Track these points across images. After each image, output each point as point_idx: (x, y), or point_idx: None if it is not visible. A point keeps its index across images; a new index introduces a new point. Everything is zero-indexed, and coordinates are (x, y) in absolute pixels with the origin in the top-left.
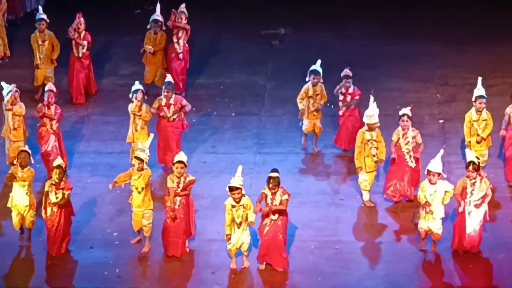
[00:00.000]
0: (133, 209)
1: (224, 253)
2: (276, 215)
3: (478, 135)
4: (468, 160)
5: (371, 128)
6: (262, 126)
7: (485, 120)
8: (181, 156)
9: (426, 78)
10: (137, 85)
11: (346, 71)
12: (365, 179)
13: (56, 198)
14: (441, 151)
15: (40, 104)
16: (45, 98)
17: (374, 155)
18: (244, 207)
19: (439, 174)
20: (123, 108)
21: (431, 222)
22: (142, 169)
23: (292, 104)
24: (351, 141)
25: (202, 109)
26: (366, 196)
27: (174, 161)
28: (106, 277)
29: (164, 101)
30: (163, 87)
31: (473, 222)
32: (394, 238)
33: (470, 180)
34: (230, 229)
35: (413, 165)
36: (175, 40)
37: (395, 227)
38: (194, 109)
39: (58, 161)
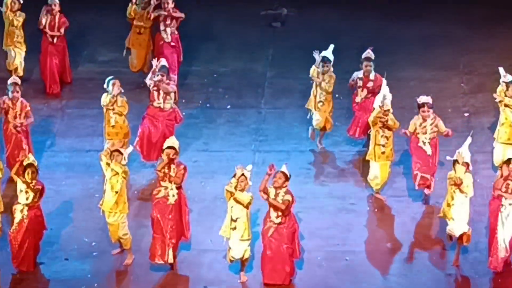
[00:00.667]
0: (107, 219)
1: (218, 265)
2: (280, 219)
3: None
4: (506, 158)
5: (384, 114)
6: (262, 120)
7: None
8: (172, 141)
9: (449, 66)
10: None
11: (368, 52)
12: (376, 174)
13: (27, 199)
14: (469, 139)
15: (4, 98)
16: (9, 92)
17: (383, 145)
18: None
19: (467, 164)
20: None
21: (456, 219)
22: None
23: (296, 94)
24: (364, 131)
25: (193, 100)
26: (377, 195)
27: (164, 146)
28: None
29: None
30: (158, 71)
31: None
32: (412, 248)
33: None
34: (228, 227)
35: (428, 151)
36: (162, 28)
37: (414, 235)
38: (183, 100)
39: (30, 158)
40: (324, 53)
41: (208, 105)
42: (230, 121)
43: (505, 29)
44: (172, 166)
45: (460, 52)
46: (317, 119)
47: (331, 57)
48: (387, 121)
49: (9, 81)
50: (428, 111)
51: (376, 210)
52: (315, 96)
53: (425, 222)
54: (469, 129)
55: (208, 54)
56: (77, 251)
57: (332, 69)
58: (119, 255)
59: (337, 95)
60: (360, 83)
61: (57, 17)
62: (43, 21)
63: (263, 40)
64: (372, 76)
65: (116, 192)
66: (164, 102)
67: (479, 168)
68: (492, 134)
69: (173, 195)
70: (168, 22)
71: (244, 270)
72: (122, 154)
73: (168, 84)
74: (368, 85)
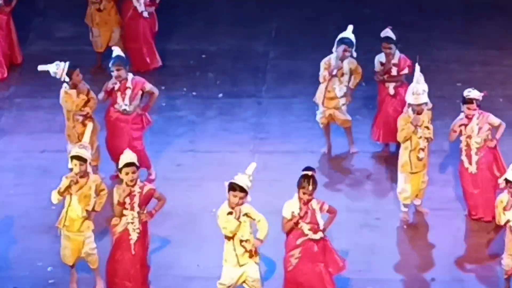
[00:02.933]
0: (67, 233)
1: None
2: (319, 234)
3: None
4: None
5: (418, 111)
6: (263, 112)
7: None
8: (128, 156)
9: (500, 44)
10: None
11: (387, 31)
12: (405, 188)
13: None
14: None
15: None
16: None
17: (422, 149)
18: (248, 216)
19: None
20: (60, 86)
21: None
22: (85, 175)
23: (306, 80)
24: (391, 132)
25: (175, 88)
26: (403, 208)
27: (120, 165)
28: None
29: (117, 85)
30: (111, 65)
31: None
32: (454, 275)
33: None
34: (231, 254)
35: (472, 169)
36: None
37: (457, 258)
38: (163, 87)
39: None
40: (343, 35)
41: (194, 93)
42: (222, 114)
43: None
44: (136, 189)
45: None
46: (320, 112)
47: (353, 39)
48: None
49: None
50: (474, 110)
51: (406, 227)
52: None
53: (472, 242)
54: None
55: (195, 29)
56: (28, 278)
57: (354, 54)
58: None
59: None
60: (379, 67)
61: None
62: None
63: (264, 11)
64: (395, 59)
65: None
66: (129, 104)
67: None
68: None
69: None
70: None
71: None
72: (85, 161)
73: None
74: (391, 71)
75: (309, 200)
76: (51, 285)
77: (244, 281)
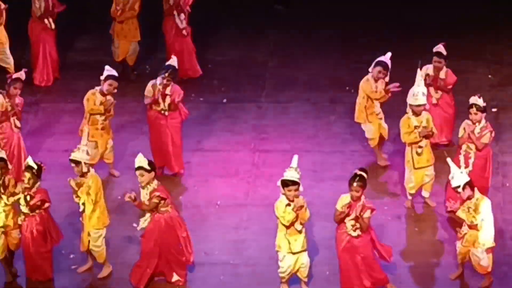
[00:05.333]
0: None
1: (214, 280)
2: (357, 232)
3: None
4: None
5: (416, 111)
6: (262, 115)
7: None
8: (140, 160)
9: (475, 55)
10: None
11: (439, 47)
12: (410, 180)
13: (26, 208)
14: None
15: (2, 95)
16: (10, 89)
17: (421, 146)
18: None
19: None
20: (82, 92)
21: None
22: (83, 176)
23: (301, 86)
24: (442, 130)
25: (185, 94)
26: (409, 197)
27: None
28: None
29: (158, 90)
30: (165, 72)
31: None
32: (446, 259)
33: None
34: (284, 242)
35: (466, 170)
36: (175, 12)
37: (446, 247)
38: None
39: (30, 161)
40: (381, 58)
41: (201, 98)
42: (226, 117)
43: None
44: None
45: (487, 39)
46: (370, 130)
47: (389, 63)
48: (430, 134)
49: (14, 76)
50: (476, 114)
51: (392, 218)
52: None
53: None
54: (497, 127)
55: (202, 41)
56: (54, 263)
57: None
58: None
59: (347, 88)
60: (428, 80)
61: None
62: (42, 6)
63: (264, 25)
64: (443, 73)
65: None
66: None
67: (509, 170)
68: None
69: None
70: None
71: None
72: (79, 163)
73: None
74: (439, 83)
75: (358, 198)
76: (73, 271)
77: (298, 269)
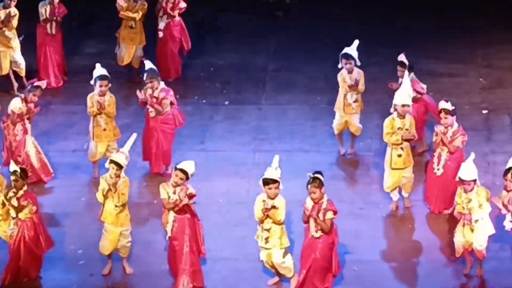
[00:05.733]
0: (106, 226)
1: (215, 275)
2: (319, 233)
3: None
4: (507, 167)
5: (401, 112)
6: (263, 117)
7: None
8: (187, 165)
9: (466, 59)
10: (99, 69)
11: (401, 57)
12: (387, 179)
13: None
14: (472, 155)
15: (18, 99)
16: (29, 95)
17: (402, 148)
18: (275, 208)
19: (474, 181)
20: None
21: (473, 235)
22: (118, 177)
23: (300, 89)
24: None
25: (188, 96)
26: (393, 198)
27: (178, 166)
28: None
29: (148, 92)
30: (145, 76)
31: None
32: (427, 257)
33: (508, 192)
34: (261, 235)
35: (439, 172)
36: (160, 15)
37: (430, 243)
38: (177, 96)
39: (13, 166)
40: (346, 50)
41: (204, 101)
42: (228, 118)
43: None
44: (177, 190)
45: (478, 44)
46: (336, 119)
47: (354, 54)
48: (411, 138)
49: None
50: (446, 118)
51: (386, 215)
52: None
53: (442, 228)
54: (488, 128)
55: (204, 46)
56: (62, 259)
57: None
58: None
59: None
60: (396, 87)
61: (56, 5)
62: (46, 13)
63: (264, 30)
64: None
65: (116, 206)
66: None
67: (499, 169)
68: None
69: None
70: (168, 9)
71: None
72: (121, 167)
73: (159, 103)
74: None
75: (317, 199)
76: (81, 265)
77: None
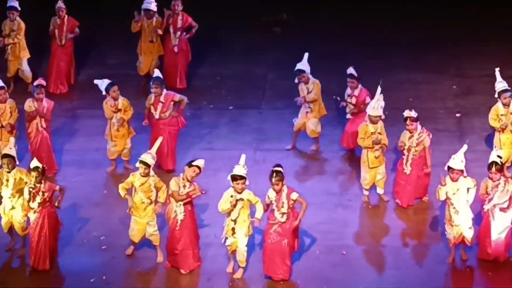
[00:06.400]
0: (134, 217)
1: (221, 258)
2: (285, 217)
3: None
4: (490, 161)
5: (374, 120)
6: (263, 120)
7: None
8: (200, 161)
9: (441, 69)
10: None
11: (351, 69)
12: (366, 177)
13: (34, 203)
14: (465, 147)
15: (30, 100)
16: (35, 93)
17: (377, 150)
18: (243, 201)
19: (461, 171)
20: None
21: (460, 223)
22: (147, 175)
23: (295, 96)
24: (354, 141)
25: (197, 101)
26: (365, 192)
27: (194, 163)
28: (92, 284)
29: (152, 99)
30: (151, 83)
31: (499, 227)
32: (405, 242)
33: (494, 181)
34: (229, 229)
35: (407, 171)
36: (171, 30)
37: (407, 230)
38: (188, 101)
39: (35, 162)
40: (297, 66)
41: (211, 105)
42: (232, 121)
43: (494, 33)
44: (187, 184)
45: (451, 56)
46: (296, 120)
47: (305, 68)
48: (383, 147)
49: (35, 83)
50: (412, 124)
51: (371, 206)
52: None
53: (418, 218)
54: (460, 129)
55: (212, 58)
56: (86, 245)
57: (310, 77)
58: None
59: (334, 96)
60: (349, 99)
61: (66, 20)
62: (53, 26)
63: (264, 44)
64: (356, 91)
65: (142, 202)
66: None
67: (470, 166)
68: (482, 134)
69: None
70: (178, 26)
71: (243, 269)
72: (149, 166)
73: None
74: (352, 100)
75: (280, 190)
76: (103, 250)
77: (235, 249)
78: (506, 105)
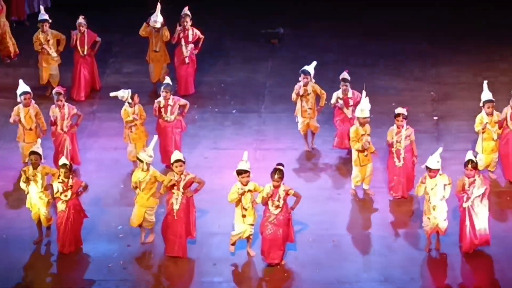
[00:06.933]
0: (136, 206)
1: (225, 246)
2: (279, 210)
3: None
4: (466, 159)
5: (362, 122)
6: (262, 122)
7: (496, 122)
8: (178, 155)
9: (421, 77)
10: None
11: (344, 74)
12: (357, 174)
13: (65, 196)
14: (440, 149)
15: (54, 105)
16: (55, 100)
17: (366, 149)
18: (251, 191)
19: (438, 170)
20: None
21: (436, 215)
22: (147, 170)
23: (291, 101)
24: (344, 141)
25: (204, 106)
26: (353, 187)
27: (172, 161)
28: (111, 269)
29: (162, 103)
30: (162, 88)
31: (481, 219)
32: (389, 232)
33: (469, 178)
34: (239, 217)
35: (399, 164)
36: (183, 44)
37: (391, 221)
38: (195, 106)
39: (63, 160)
40: (304, 67)
41: (216, 110)
42: (235, 124)
43: (466, 46)
44: (182, 177)
45: (430, 65)
46: (300, 123)
47: (311, 71)
48: (371, 151)
49: (54, 91)
50: (402, 121)
51: (358, 199)
52: (302, 106)
53: (402, 210)
54: (438, 131)
55: (217, 67)
56: (106, 234)
57: (313, 81)
58: (146, 243)
59: (325, 102)
60: (340, 102)
61: (85, 33)
62: (74, 39)
63: (263, 54)
64: (350, 94)
65: (144, 191)
66: (170, 115)
67: (447, 163)
68: (458, 135)
69: (177, 203)
70: (189, 40)
71: (250, 246)
72: (142, 161)
73: (183, 112)
74: (349, 103)
75: (278, 186)
76: (120, 238)
77: (247, 236)
78: (489, 114)
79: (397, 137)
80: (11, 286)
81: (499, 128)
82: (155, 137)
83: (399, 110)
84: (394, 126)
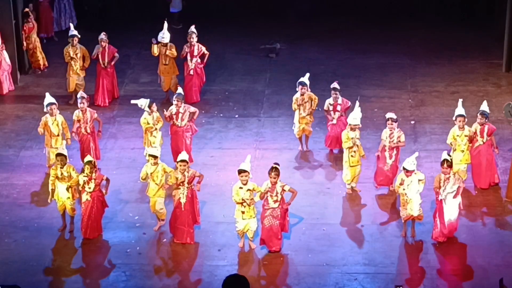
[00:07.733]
0: (149, 197)
1: (229, 233)
2: (277, 204)
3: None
4: (442, 159)
5: (353, 128)
6: (261, 125)
7: (466, 136)
8: (183, 155)
9: (399, 86)
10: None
11: (335, 84)
12: (347, 173)
13: (89, 188)
14: (416, 153)
15: (77, 110)
16: (79, 104)
17: (355, 152)
18: (250, 190)
19: (413, 170)
20: (143, 110)
21: (411, 207)
22: (156, 164)
23: (287, 107)
24: (337, 142)
25: (210, 111)
26: (347, 186)
27: (178, 160)
28: (129, 254)
29: (174, 110)
30: (174, 97)
31: (450, 210)
32: (372, 221)
33: (445, 175)
34: (239, 213)
35: (390, 162)
36: (188, 58)
37: (374, 212)
38: (203, 111)
39: (88, 158)
40: (301, 79)
41: (221, 115)
42: (237, 127)
43: (440, 60)
44: (185, 174)
45: (408, 76)
46: (297, 127)
47: (307, 82)
48: (360, 155)
49: (78, 95)
50: (392, 124)
51: (345, 193)
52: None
53: (385, 202)
54: (415, 133)
55: (222, 78)
56: (124, 223)
57: (309, 90)
58: (157, 229)
59: (317, 108)
60: (331, 107)
61: (106, 47)
62: (96, 52)
63: (262, 67)
64: (340, 101)
65: (156, 183)
66: (181, 121)
67: (422, 162)
68: (432, 137)
69: (184, 196)
70: (194, 54)
71: (252, 241)
72: (156, 157)
73: (193, 118)
74: (337, 108)
75: (275, 182)
76: (137, 227)
77: (247, 230)
78: (461, 128)
79: (390, 138)
80: (42, 268)
81: (469, 142)
82: (159, 133)
83: (388, 114)
84: (387, 128)
